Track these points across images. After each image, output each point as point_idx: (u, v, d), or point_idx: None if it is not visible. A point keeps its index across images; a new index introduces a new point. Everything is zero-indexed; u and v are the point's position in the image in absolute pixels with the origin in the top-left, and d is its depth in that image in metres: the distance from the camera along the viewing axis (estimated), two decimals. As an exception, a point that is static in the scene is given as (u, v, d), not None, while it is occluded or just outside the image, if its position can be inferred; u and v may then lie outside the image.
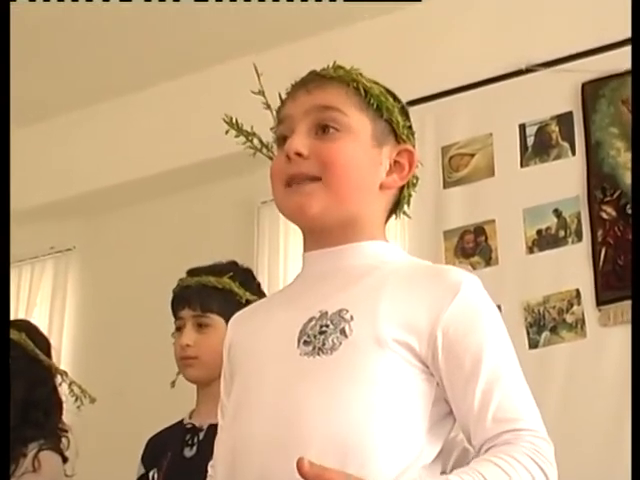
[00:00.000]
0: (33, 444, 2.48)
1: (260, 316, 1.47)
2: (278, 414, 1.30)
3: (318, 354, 1.31)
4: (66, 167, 4.58)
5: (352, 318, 1.32)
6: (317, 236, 1.42)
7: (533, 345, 3.37)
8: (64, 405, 2.64)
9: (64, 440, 2.57)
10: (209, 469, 1.51)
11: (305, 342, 1.32)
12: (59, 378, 2.67)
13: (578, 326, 3.35)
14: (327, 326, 1.32)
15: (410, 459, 1.26)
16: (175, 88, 4.38)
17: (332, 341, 1.30)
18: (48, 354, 2.66)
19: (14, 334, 2.53)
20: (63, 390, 2.67)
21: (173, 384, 2.37)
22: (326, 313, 1.33)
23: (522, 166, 3.61)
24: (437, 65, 3.83)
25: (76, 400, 2.64)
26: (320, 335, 1.32)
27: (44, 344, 2.68)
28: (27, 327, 2.68)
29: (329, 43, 3.79)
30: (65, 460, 2.55)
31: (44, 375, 2.61)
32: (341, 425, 1.25)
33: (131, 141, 4.48)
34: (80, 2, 3.88)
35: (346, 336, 1.30)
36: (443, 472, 1.31)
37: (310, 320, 1.34)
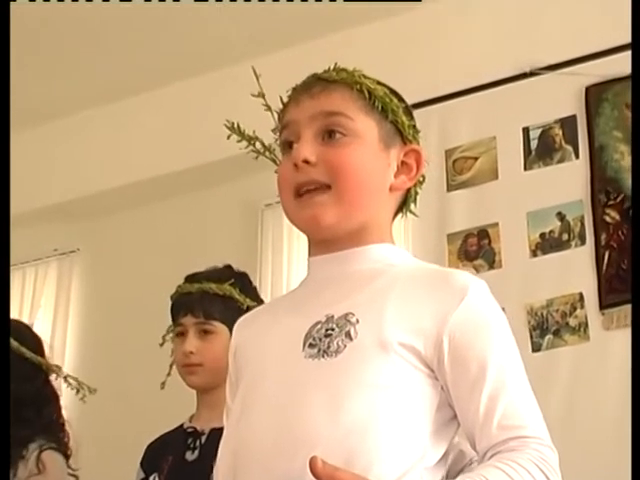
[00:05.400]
0: (33, 445, 2.45)
1: (265, 320, 1.46)
2: (282, 416, 1.29)
3: (323, 357, 1.30)
4: (70, 169, 4.59)
5: (358, 321, 1.31)
6: (326, 242, 1.41)
7: (536, 348, 3.37)
8: (61, 400, 2.61)
9: (64, 435, 2.54)
10: (214, 471, 1.49)
11: (310, 345, 1.32)
12: (54, 375, 2.63)
13: (581, 329, 3.35)
14: (333, 329, 1.31)
15: (412, 461, 1.26)
16: (178, 91, 4.39)
17: (337, 344, 1.30)
18: (39, 351, 2.62)
19: None
20: (59, 385, 2.64)
21: (163, 385, 2.36)
22: (332, 317, 1.33)
23: (526, 169, 3.61)
24: (441, 68, 3.83)
25: (77, 392, 2.62)
26: (325, 338, 1.31)
27: (33, 341, 2.64)
28: (12, 326, 2.66)
29: (331, 46, 3.79)
30: (67, 457, 2.52)
31: (31, 372, 2.57)
32: (345, 427, 1.25)
33: (134, 143, 4.48)
34: (80, 2, 3.87)
35: (351, 339, 1.30)
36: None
37: (316, 324, 1.33)
